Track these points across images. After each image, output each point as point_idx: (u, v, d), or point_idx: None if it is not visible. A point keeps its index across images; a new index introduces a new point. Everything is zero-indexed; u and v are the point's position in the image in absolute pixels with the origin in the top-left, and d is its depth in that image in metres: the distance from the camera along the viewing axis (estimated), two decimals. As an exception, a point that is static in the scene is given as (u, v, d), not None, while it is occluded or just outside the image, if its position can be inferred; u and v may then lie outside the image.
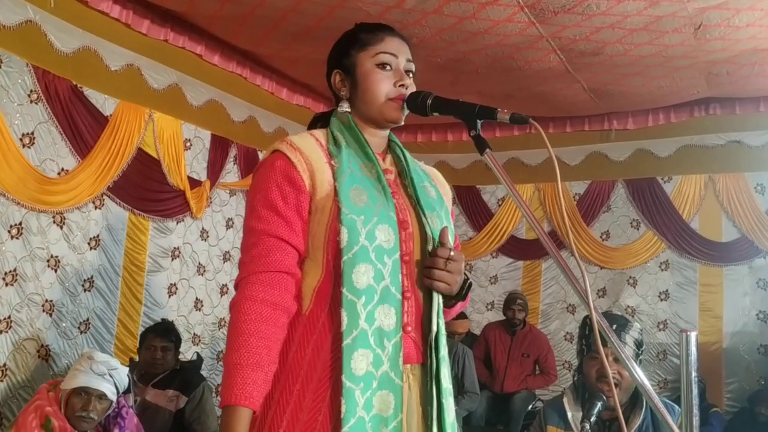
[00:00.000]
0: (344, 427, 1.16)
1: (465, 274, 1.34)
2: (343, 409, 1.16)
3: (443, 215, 1.40)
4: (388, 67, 1.36)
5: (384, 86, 1.35)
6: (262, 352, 1.17)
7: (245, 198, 1.36)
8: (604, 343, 1.10)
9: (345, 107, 1.39)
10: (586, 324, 2.33)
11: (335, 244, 1.24)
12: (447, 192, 1.51)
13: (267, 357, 1.18)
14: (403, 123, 1.38)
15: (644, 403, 2.14)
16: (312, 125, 1.47)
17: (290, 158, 1.29)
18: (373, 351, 1.21)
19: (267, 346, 1.18)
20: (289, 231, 1.26)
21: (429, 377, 1.28)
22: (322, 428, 1.19)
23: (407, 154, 1.44)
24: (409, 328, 1.28)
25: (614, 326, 2.18)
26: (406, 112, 1.37)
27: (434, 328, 1.29)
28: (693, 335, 1.03)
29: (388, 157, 1.43)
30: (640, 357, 2.23)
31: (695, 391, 1.02)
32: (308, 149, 1.32)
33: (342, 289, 1.21)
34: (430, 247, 1.32)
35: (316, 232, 1.28)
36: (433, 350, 1.28)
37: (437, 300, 1.31)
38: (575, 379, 2.35)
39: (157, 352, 3.24)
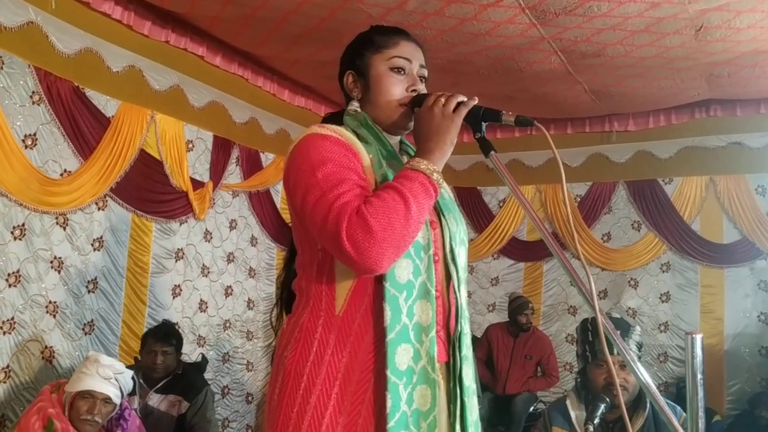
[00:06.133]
0: (390, 422, 1.15)
1: None
2: (389, 404, 1.16)
3: (458, 216, 1.40)
4: (401, 72, 1.35)
5: (396, 90, 1.34)
6: None
7: (289, 179, 1.26)
8: (610, 346, 1.11)
9: (354, 106, 1.36)
10: (588, 329, 2.34)
11: None
12: (450, 191, 1.51)
13: None
14: (411, 129, 1.35)
15: (647, 404, 2.16)
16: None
17: (338, 137, 1.25)
18: (413, 346, 1.21)
19: None
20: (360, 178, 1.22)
21: (452, 376, 1.29)
22: (363, 430, 1.19)
23: None
24: (438, 327, 1.28)
25: (618, 332, 2.20)
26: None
27: (459, 328, 1.30)
28: (699, 337, 1.04)
29: (404, 158, 1.40)
30: (640, 359, 2.25)
31: (701, 393, 1.03)
32: (348, 138, 1.28)
33: (385, 284, 1.20)
34: (448, 248, 1.32)
35: None
36: (457, 349, 1.29)
37: (462, 300, 1.32)
38: (577, 381, 2.37)
39: (157, 356, 3.20)
